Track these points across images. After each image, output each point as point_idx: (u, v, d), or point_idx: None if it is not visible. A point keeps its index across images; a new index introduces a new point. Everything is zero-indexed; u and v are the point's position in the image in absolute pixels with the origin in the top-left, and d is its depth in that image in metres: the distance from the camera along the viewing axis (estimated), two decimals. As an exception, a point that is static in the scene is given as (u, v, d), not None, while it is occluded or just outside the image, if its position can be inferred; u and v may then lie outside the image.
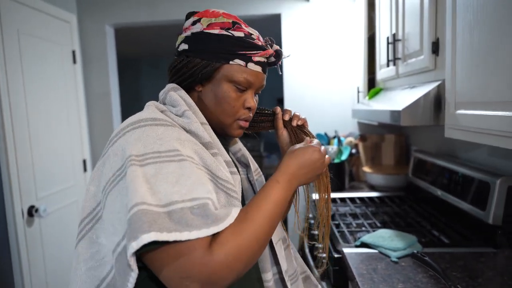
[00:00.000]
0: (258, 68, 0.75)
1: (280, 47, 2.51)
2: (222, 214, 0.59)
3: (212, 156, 0.69)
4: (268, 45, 0.78)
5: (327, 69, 2.46)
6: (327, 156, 0.77)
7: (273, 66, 0.81)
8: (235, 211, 0.62)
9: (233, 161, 0.81)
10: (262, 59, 0.76)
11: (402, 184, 1.97)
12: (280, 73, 0.86)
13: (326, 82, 2.47)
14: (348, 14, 2.40)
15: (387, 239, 1.26)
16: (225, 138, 0.87)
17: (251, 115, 0.79)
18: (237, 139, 0.88)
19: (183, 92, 0.75)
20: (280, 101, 5.19)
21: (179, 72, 0.75)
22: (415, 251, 1.17)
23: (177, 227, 0.54)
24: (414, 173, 1.86)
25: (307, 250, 1.68)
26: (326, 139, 2.29)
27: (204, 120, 0.74)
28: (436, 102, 1.16)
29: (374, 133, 2.34)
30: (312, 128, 2.46)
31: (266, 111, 0.87)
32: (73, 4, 2.48)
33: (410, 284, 1.00)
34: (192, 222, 0.55)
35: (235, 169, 0.74)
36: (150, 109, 0.70)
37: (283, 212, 0.70)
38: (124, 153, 0.62)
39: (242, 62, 0.73)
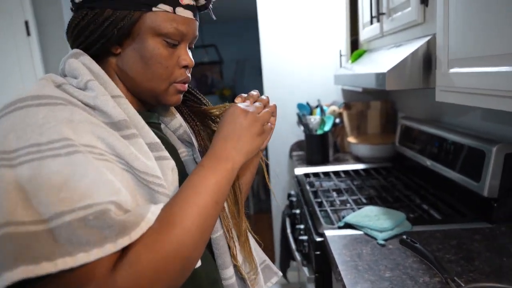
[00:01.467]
0: (189, 14, 0.59)
1: (255, 9, 2.31)
2: (132, 219, 0.44)
3: (125, 139, 0.52)
4: None
5: (307, 33, 2.27)
6: (256, 104, 0.64)
7: (203, 11, 0.64)
8: (153, 211, 0.47)
9: (165, 142, 0.65)
10: (191, 2, 0.59)
11: (389, 154, 1.85)
12: (215, 18, 0.69)
13: (306, 47, 2.28)
14: (328, -30, 2.18)
15: (373, 218, 1.13)
16: (159, 111, 0.71)
17: (189, 75, 0.63)
18: (174, 111, 0.71)
19: (87, 58, 0.57)
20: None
21: (83, 32, 0.57)
22: (404, 233, 1.04)
23: (66, 249, 0.39)
24: (401, 141, 1.73)
25: (288, 231, 1.56)
26: (308, 109, 2.14)
27: (118, 92, 0.57)
28: (426, 61, 1.00)
29: (359, 101, 2.19)
30: (294, 98, 2.29)
31: (226, 106, 0.72)
32: (20, -32, 2.20)
33: (399, 271, 0.88)
34: (89, 238, 0.40)
35: (165, 153, 0.58)
36: (41, 83, 0.52)
37: (223, 200, 0.55)
38: None
39: (168, 8, 0.56)
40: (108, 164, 0.48)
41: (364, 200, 1.39)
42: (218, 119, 0.74)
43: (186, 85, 0.65)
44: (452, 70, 0.87)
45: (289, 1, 2.23)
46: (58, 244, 0.39)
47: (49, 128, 0.46)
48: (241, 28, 5.09)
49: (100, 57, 0.60)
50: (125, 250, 0.43)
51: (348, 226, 1.15)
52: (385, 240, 1.04)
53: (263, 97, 0.68)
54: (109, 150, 0.50)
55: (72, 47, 0.60)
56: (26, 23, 2.14)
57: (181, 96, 0.65)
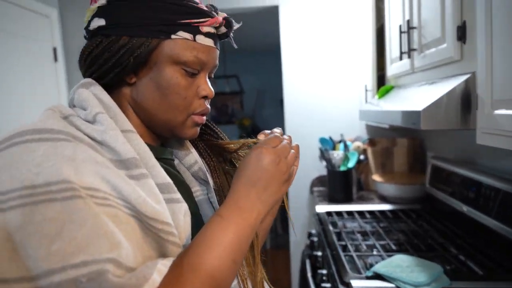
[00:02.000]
0: (210, 42, 0.55)
1: (278, 42, 2.31)
2: (133, 282, 0.38)
3: (133, 179, 0.47)
4: (214, 12, 0.56)
5: (331, 66, 2.23)
6: (284, 144, 0.54)
7: (224, 39, 0.60)
8: (160, 270, 0.41)
9: (179, 180, 0.59)
10: (212, 30, 0.55)
11: (418, 195, 1.73)
12: (236, 47, 0.64)
13: (330, 81, 2.24)
14: (353, 4, 2.17)
15: (405, 269, 1.02)
16: (173, 145, 0.65)
17: (208, 106, 0.58)
18: (189, 146, 0.66)
19: (98, 88, 0.53)
20: (282, 103, 4.99)
21: (97, 60, 0.53)
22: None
23: None
24: (431, 183, 1.62)
25: (309, 274, 1.45)
26: (331, 144, 2.06)
27: (128, 126, 0.52)
28: (464, 100, 0.93)
29: (384, 137, 2.10)
30: (316, 131, 2.23)
31: (250, 143, 0.65)
32: (53, -2, 2.29)
33: (438, 338, 0.77)
34: None
35: (177, 195, 0.52)
36: (46, 114, 0.48)
37: (241, 258, 0.48)
38: None
39: (188, 35, 0.52)
40: (111, 210, 0.42)
41: (393, 247, 1.28)
42: (235, 155, 0.68)
43: (204, 117, 0.60)
44: (497, 112, 0.79)
45: (313, 34, 2.22)
46: None
47: (47, 167, 0.41)
48: (263, 59, 5.15)
49: (113, 87, 0.55)
50: None
51: (377, 276, 1.04)
52: (421, 297, 0.93)
53: (285, 136, 0.62)
54: (115, 193, 0.44)
55: (85, 76, 0.56)
56: (54, 49, 2.20)
57: (198, 129, 0.60)
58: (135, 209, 0.44)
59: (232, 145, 0.68)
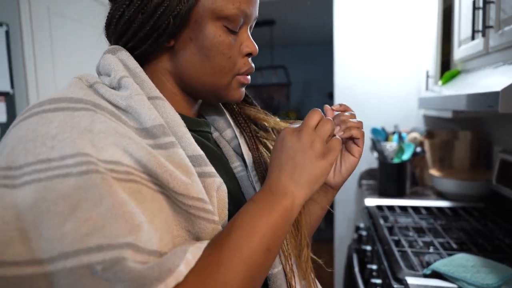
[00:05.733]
0: None
1: (329, 34, 2.20)
2: (155, 273, 0.33)
3: (160, 149, 0.42)
4: None
5: (388, 53, 2.09)
6: (316, 115, 0.47)
7: None
8: (188, 261, 0.36)
9: (216, 154, 0.54)
10: None
11: (482, 192, 1.57)
12: None
13: (385, 69, 2.10)
14: (416, -14, 2.01)
15: (470, 269, 0.92)
16: (211, 116, 0.60)
17: (253, 65, 0.52)
18: (229, 118, 0.60)
19: (125, 54, 0.48)
20: (331, 96, 4.82)
21: (131, 25, 0.46)
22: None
23: None
24: (499, 179, 1.46)
25: (356, 269, 1.37)
26: (383, 135, 1.94)
27: (157, 93, 0.47)
28: (554, 81, 0.80)
29: (444, 129, 1.94)
30: (368, 122, 2.11)
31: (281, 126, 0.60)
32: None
33: None
34: None
35: (210, 168, 0.46)
36: (71, 82, 0.45)
37: (278, 246, 0.43)
38: None
39: None
40: (134, 186, 0.38)
41: (454, 245, 1.16)
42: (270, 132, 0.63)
43: (249, 77, 0.54)
44: None
45: (368, 22, 2.10)
46: None
47: (62, 139, 0.37)
48: (310, 50, 5.02)
49: (149, 56, 0.51)
50: None
51: (436, 275, 0.94)
52: (489, 300, 0.82)
53: (333, 106, 0.56)
54: (138, 166, 0.40)
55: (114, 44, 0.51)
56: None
57: (244, 90, 0.55)
58: (162, 184, 0.40)
59: (269, 121, 0.62)
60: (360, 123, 0.55)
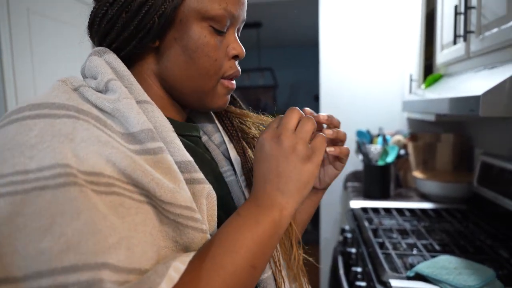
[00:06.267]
0: None
1: (315, 36, 2.21)
2: None
3: (148, 155, 0.40)
4: None
5: (372, 57, 2.12)
6: (296, 115, 0.45)
7: None
8: (170, 278, 0.35)
9: (205, 159, 0.53)
10: None
11: (464, 194, 1.60)
12: None
13: (370, 72, 2.13)
14: (400, -9, 2.04)
15: (452, 271, 0.93)
16: (200, 120, 0.59)
17: (239, 68, 0.51)
18: (216, 121, 0.59)
19: (112, 56, 0.46)
20: (316, 99, 4.82)
21: (114, 25, 0.45)
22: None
23: None
24: (480, 181, 1.49)
25: (341, 272, 1.37)
26: (368, 137, 1.96)
27: (145, 97, 0.45)
28: (533, 85, 0.82)
29: (427, 132, 1.97)
30: (353, 124, 2.13)
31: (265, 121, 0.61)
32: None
33: None
34: None
35: (198, 175, 0.44)
36: (54, 86, 0.43)
37: (263, 263, 0.41)
38: None
39: None
40: (116, 198, 0.37)
41: (436, 247, 1.17)
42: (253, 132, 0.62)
43: (234, 82, 0.53)
44: None
45: (353, 24, 2.12)
46: None
47: (42, 149, 0.35)
48: (298, 52, 5.04)
49: (134, 57, 0.49)
50: None
51: (419, 277, 0.95)
52: (471, 302, 0.83)
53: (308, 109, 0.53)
54: (123, 177, 0.38)
55: (98, 45, 0.49)
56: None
57: (229, 97, 0.54)
58: (149, 193, 0.39)
59: (253, 118, 0.62)
60: (345, 135, 0.54)
